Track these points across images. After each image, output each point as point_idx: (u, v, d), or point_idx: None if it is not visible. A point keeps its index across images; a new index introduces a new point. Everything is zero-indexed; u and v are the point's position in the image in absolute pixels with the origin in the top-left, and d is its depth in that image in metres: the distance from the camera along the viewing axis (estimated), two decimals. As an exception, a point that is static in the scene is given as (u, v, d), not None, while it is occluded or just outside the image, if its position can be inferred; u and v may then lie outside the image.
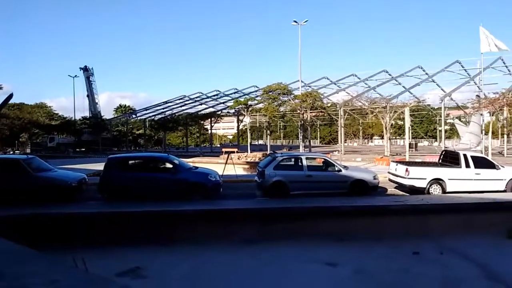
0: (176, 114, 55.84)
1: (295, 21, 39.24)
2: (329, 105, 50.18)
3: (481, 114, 36.18)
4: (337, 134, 48.64)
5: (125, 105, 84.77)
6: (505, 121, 37.38)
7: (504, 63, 48.88)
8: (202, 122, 55.04)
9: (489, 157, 21.29)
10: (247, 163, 29.90)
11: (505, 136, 37.74)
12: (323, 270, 9.13)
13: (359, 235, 11.54)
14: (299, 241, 11.13)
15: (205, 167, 17.61)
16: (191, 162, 22.38)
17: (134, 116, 66.99)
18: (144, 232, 11.33)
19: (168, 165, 14.48)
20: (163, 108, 60.09)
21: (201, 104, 58.51)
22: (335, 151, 38.44)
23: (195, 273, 9.05)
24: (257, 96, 48.76)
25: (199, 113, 54.46)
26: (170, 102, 61.77)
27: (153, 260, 9.68)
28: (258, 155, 33.03)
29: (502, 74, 48.34)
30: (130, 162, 15.68)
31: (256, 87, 56.00)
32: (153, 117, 58.23)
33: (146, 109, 63.24)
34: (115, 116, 74.45)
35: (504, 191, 15.07)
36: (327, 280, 8.56)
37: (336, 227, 11.88)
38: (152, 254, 10.12)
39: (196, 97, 61.36)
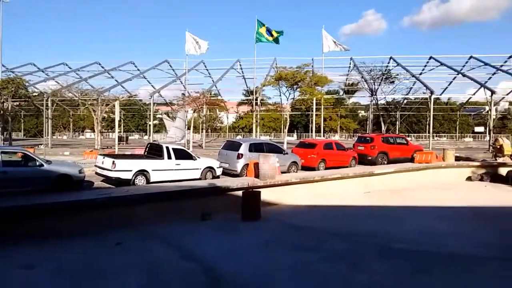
0: None
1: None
2: (35, 94, 45.59)
3: (186, 111, 39.96)
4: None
5: None
6: (204, 118, 42.61)
7: (205, 66, 55.55)
8: None
9: (190, 149, 23.78)
10: None
11: (204, 131, 43.04)
12: (18, 276, 8.22)
13: (62, 232, 10.95)
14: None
15: None
16: None
17: None
18: None
19: None
20: None
21: None
22: (41, 144, 35.25)
23: None
24: None
25: None
26: None
27: None
28: None
29: (203, 76, 54.86)
30: None
31: None
32: None
33: None
34: None
35: (200, 179, 17.15)
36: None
37: (36, 226, 10.91)
38: None
39: None
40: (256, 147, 19.48)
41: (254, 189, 14.60)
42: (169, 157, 16.61)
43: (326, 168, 21.70)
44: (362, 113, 75.93)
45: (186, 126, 38.68)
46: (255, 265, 8.97)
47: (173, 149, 17.09)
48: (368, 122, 49.12)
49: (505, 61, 51.54)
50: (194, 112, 40.18)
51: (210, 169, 17.74)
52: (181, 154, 17.21)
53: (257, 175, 16.64)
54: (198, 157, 18.07)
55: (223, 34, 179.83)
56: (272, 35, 39.14)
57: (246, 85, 60.19)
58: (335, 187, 17.91)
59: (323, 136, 46.75)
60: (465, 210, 15.42)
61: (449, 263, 9.10)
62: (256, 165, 16.81)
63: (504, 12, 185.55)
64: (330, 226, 12.78)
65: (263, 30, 38.89)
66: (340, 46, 42.59)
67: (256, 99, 42.68)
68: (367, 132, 46.06)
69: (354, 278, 8.06)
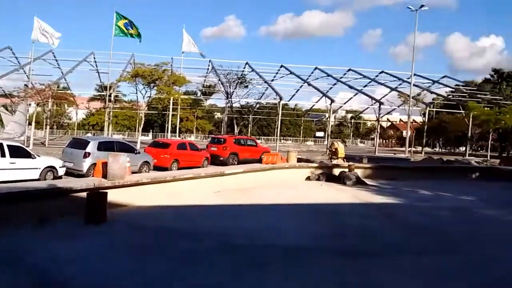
0: None
1: None
2: None
3: (28, 104, 36.22)
4: None
5: None
6: (49, 113, 39.04)
7: (54, 57, 51.08)
8: None
9: (31, 147, 21.64)
10: None
11: (49, 127, 39.44)
12: None
13: None
14: None
15: None
16: None
17: None
18: None
19: None
20: None
21: None
22: None
23: None
24: None
25: None
26: None
27: None
28: None
29: (52, 67, 50.41)
30: None
31: None
32: None
33: None
34: None
35: (39, 179, 15.72)
36: None
37: None
38: None
39: None
40: (106, 146, 18.66)
41: (100, 190, 13.92)
42: (3, 155, 14.94)
43: (179, 168, 21.79)
44: (218, 115, 77.97)
45: (27, 121, 35.03)
46: (94, 271, 8.58)
47: (8, 145, 15.42)
48: (223, 124, 50.65)
49: (344, 74, 58.32)
50: (37, 106, 36.62)
51: (52, 168, 16.43)
52: (17, 152, 15.64)
53: (105, 176, 15.90)
54: (38, 156, 16.57)
55: (76, 24, 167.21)
56: (132, 29, 37.58)
57: (100, 80, 57.17)
58: (188, 187, 18.05)
59: (179, 136, 46.79)
60: (304, 206, 16.97)
61: (286, 255, 9.93)
62: (105, 165, 16.04)
63: (347, 30, 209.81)
64: (180, 226, 12.88)
65: (121, 24, 37.09)
66: (196, 48, 43.04)
67: (110, 95, 40.73)
68: (222, 133, 47.47)
69: (194, 276, 8.30)
